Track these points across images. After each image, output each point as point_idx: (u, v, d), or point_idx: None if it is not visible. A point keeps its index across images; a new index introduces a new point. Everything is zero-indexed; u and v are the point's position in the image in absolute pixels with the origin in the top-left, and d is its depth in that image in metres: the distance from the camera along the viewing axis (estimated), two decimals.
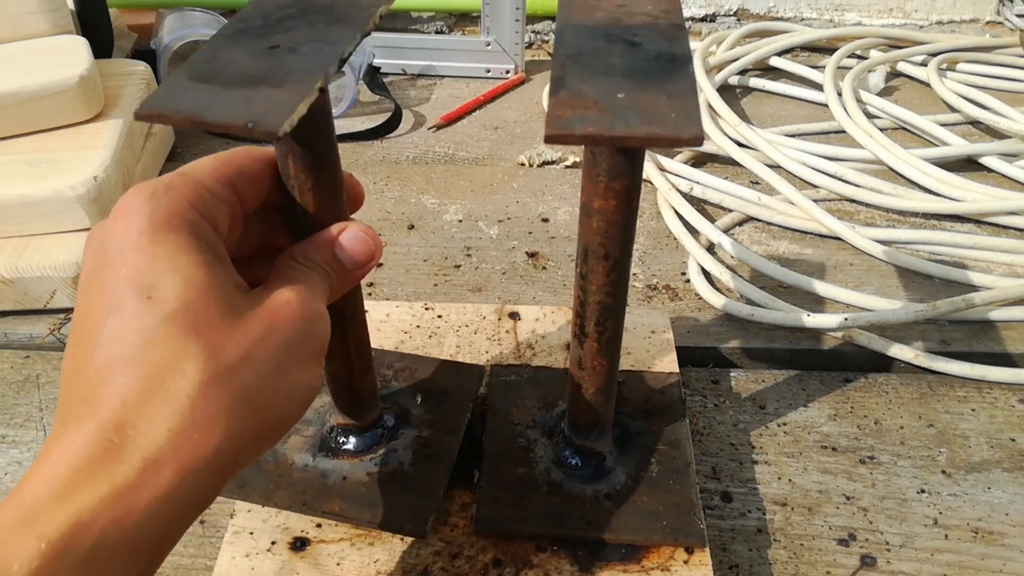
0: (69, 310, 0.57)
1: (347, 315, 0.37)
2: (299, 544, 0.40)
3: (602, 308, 0.35)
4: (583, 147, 0.30)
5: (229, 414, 0.26)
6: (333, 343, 0.38)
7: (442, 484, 0.41)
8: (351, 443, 0.42)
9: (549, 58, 0.96)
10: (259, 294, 0.29)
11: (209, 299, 0.27)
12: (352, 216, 0.35)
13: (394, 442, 0.43)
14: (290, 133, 0.26)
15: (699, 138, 0.25)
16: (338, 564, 0.39)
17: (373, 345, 0.41)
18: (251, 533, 0.40)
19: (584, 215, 0.33)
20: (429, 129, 0.81)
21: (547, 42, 1.03)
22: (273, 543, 0.40)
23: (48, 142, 0.60)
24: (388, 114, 0.80)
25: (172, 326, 0.26)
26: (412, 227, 0.66)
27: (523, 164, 0.75)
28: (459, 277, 0.61)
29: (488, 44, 0.88)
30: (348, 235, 0.32)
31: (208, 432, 0.25)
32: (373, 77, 0.84)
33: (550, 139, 0.25)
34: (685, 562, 0.39)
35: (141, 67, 0.70)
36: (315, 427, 0.44)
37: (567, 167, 0.74)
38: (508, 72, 0.89)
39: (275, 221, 0.34)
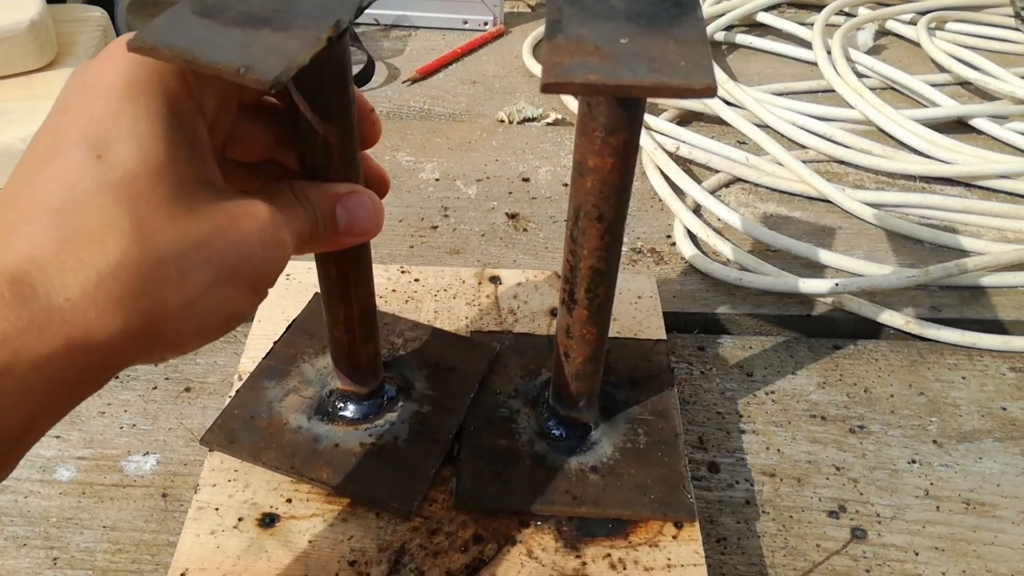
0: None
1: (351, 281, 0.35)
2: (268, 520, 0.38)
3: (593, 274, 0.33)
4: (576, 101, 0.27)
5: (134, 305, 0.23)
6: (336, 309, 0.36)
7: (434, 464, 0.39)
8: (348, 410, 0.41)
9: (529, 10, 0.92)
10: (226, 196, 0.26)
11: (160, 178, 0.24)
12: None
13: (392, 414, 0.41)
14: (295, 82, 0.23)
15: (712, 88, 0.23)
16: (309, 541, 0.37)
17: None
18: (216, 509, 0.38)
19: (577, 174, 0.30)
20: (403, 83, 0.77)
21: None
22: (240, 519, 0.38)
23: None
24: (360, 66, 0.77)
25: (110, 195, 0.23)
26: None
27: (502, 121, 0.72)
28: (436, 239, 0.59)
29: None
30: (356, 199, 0.30)
31: (105, 315, 0.23)
32: None
33: (547, 88, 0.23)
34: (674, 537, 0.37)
35: (97, 13, 0.66)
36: (315, 388, 0.42)
37: (548, 124, 0.71)
38: (486, 24, 0.85)
39: (283, 132, 0.31)
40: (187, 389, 0.48)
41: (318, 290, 0.46)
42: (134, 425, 0.46)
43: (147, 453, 0.44)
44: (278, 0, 0.26)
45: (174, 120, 0.25)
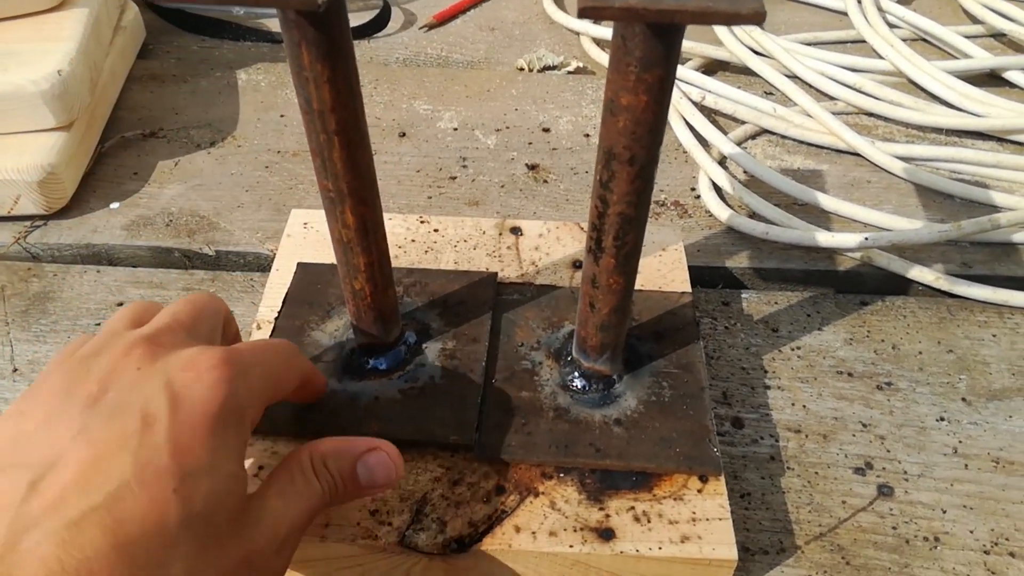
0: (35, 217, 0.53)
1: (368, 228, 0.34)
2: None
3: (623, 220, 0.32)
4: (598, 50, 0.26)
5: None
6: (356, 259, 0.35)
7: (477, 392, 0.39)
8: (377, 362, 0.40)
9: None
10: (256, 506, 0.28)
11: (230, 516, 0.26)
12: None
13: (419, 357, 0.41)
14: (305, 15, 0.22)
15: (761, 14, 0.21)
16: None
17: None
18: None
19: (608, 114, 0.29)
20: (420, 29, 0.76)
21: None
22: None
23: (6, 33, 0.54)
24: (376, 11, 0.75)
25: (189, 534, 0.25)
26: (403, 135, 0.62)
27: (522, 69, 0.70)
28: (455, 189, 0.57)
29: None
30: (377, 456, 0.32)
31: None
32: None
33: (584, 12, 0.22)
34: (699, 491, 0.36)
35: None
36: (334, 352, 0.41)
37: (569, 72, 0.70)
38: None
39: None
40: None
41: (302, 260, 0.45)
42: None
43: None
44: None
45: (244, 448, 0.28)
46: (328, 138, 0.30)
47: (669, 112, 0.62)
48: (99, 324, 0.48)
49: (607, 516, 0.36)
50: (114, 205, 0.55)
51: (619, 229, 0.32)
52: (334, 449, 0.32)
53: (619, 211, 0.31)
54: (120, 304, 0.49)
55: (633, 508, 0.36)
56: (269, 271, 0.46)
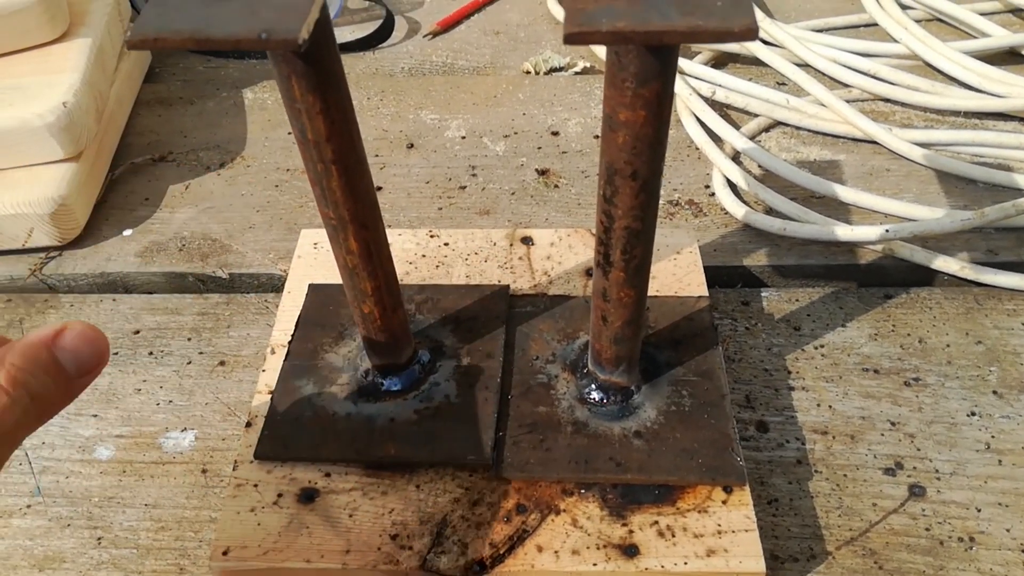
0: (49, 248, 0.54)
1: (373, 252, 0.34)
2: (307, 496, 0.37)
3: (629, 234, 0.31)
4: (604, 50, 0.25)
5: None
6: (363, 283, 0.35)
7: (493, 409, 0.39)
8: (391, 383, 0.40)
9: None
10: None
11: None
12: None
13: (434, 376, 0.41)
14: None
15: (753, 30, 0.21)
16: (350, 516, 0.36)
17: None
18: (255, 486, 0.37)
19: (607, 128, 0.28)
20: (424, 37, 0.75)
21: None
22: (280, 496, 0.37)
23: (10, 67, 0.55)
24: (379, 22, 0.74)
25: None
26: (411, 146, 0.62)
27: (528, 72, 0.69)
28: (465, 199, 0.57)
29: None
30: (69, 333, 0.27)
31: None
32: None
33: (571, 39, 0.21)
34: (724, 502, 0.36)
35: None
36: (348, 374, 0.41)
37: (576, 73, 0.69)
38: None
39: None
40: (221, 363, 0.47)
41: (313, 281, 0.45)
42: (170, 401, 0.45)
43: (185, 429, 0.44)
44: None
45: None
46: (326, 167, 0.30)
47: (680, 109, 0.61)
48: (117, 353, 0.48)
49: (630, 532, 0.35)
50: (127, 232, 0.55)
51: (627, 243, 0.31)
52: (19, 351, 0.26)
53: (625, 225, 0.31)
54: (137, 332, 0.49)
55: (657, 523, 0.35)
56: (282, 291, 0.46)
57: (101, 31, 0.59)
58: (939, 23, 0.72)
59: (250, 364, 0.47)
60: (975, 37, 0.68)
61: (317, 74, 0.27)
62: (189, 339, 0.49)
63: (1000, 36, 0.66)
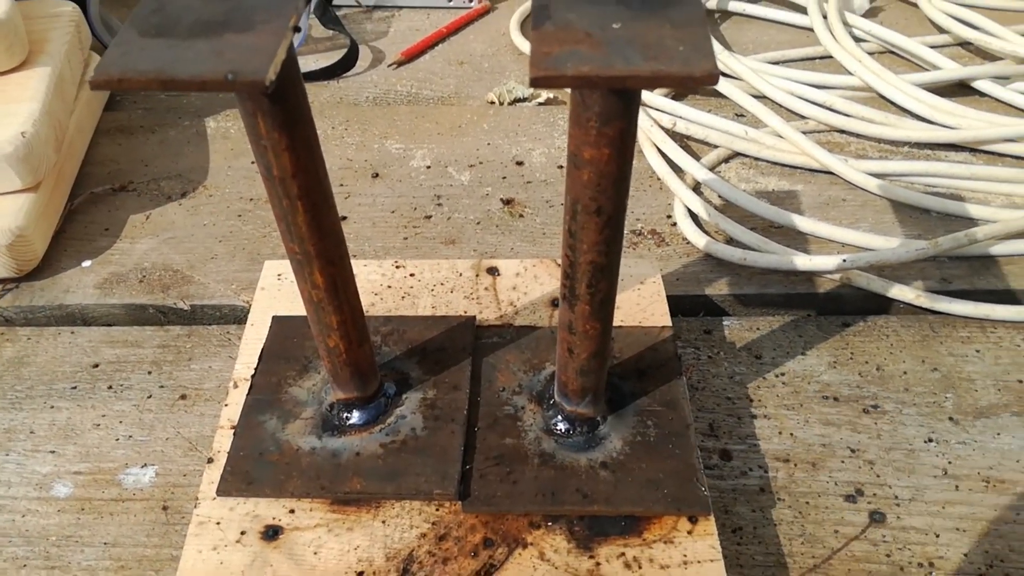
0: (6, 280, 0.53)
1: (339, 286, 0.34)
2: (271, 533, 0.37)
3: (594, 268, 0.31)
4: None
5: None
6: (328, 317, 0.35)
7: (460, 441, 0.39)
8: (356, 417, 0.40)
9: None
10: None
11: None
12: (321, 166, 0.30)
13: (400, 408, 0.40)
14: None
15: (714, 76, 0.21)
16: (315, 553, 0.36)
17: None
18: (218, 523, 0.37)
19: (572, 166, 0.29)
20: (389, 66, 0.75)
21: None
22: (243, 533, 0.37)
23: None
24: (344, 51, 0.75)
25: None
26: (376, 175, 0.62)
27: (493, 102, 0.70)
28: (430, 229, 0.57)
29: None
30: None
31: None
32: (325, 10, 0.78)
33: (537, 82, 0.21)
34: (689, 532, 0.36)
35: (69, 8, 0.64)
36: (312, 408, 0.40)
37: (540, 104, 0.70)
38: (471, 1, 0.83)
39: None
40: (183, 397, 0.46)
41: (276, 313, 0.45)
42: (130, 436, 0.45)
43: (145, 465, 0.43)
44: (223, 2, 0.24)
45: None
46: (291, 203, 0.30)
47: (641, 140, 0.62)
48: (75, 387, 0.47)
49: (597, 564, 0.35)
50: (86, 263, 0.54)
51: (591, 277, 0.32)
52: None
53: (590, 259, 0.31)
54: (96, 366, 0.48)
55: (623, 554, 0.35)
56: (245, 323, 0.46)
57: (60, 59, 0.58)
58: (892, 55, 0.74)
59: (212, 398, 0.46)
60: (927, 69, 0.70)
61: (283, 112, 0.27)
62: (149, 372, 0.48)
63: (951, 69, 0.68)
